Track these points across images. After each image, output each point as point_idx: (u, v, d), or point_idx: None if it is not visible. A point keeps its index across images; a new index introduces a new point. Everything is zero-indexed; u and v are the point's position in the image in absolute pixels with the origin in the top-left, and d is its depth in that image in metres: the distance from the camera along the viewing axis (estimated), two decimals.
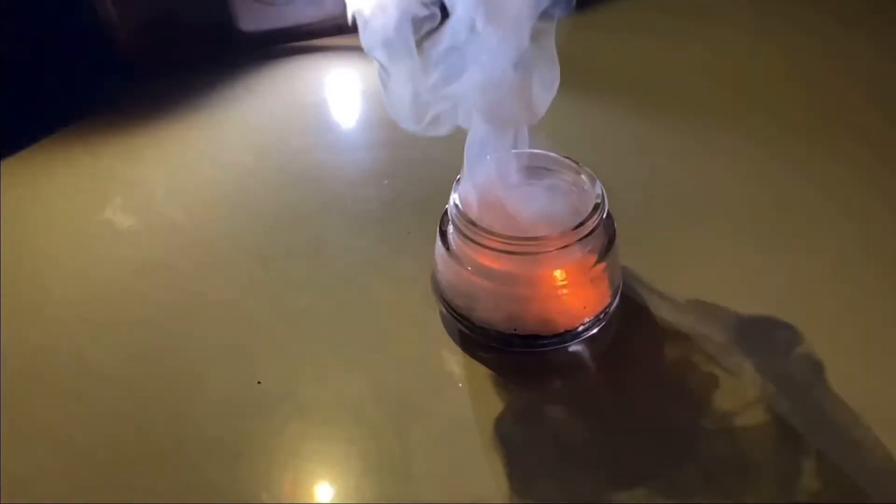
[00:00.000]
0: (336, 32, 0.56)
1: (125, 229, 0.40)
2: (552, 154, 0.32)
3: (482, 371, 0.31)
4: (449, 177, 0.31)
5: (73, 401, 0.31)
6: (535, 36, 0.27)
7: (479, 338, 0.32)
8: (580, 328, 0.31)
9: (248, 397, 0.31)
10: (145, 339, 0.34)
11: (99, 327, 0.35)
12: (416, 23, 0.27)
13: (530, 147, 0.31)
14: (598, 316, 0.31)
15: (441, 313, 0.33)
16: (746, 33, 0.54)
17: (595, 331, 0.31)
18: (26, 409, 0.31)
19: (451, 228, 0.31)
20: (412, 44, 0.27)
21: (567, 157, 0.32)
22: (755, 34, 0.54)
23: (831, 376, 0.30)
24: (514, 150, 0.31)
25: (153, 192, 0.43)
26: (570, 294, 0.30)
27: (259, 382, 0.31)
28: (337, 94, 0.52)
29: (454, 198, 0.30)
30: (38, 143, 0.47)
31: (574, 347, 0.32)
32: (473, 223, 0.29)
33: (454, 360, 0.32)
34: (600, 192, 0.30)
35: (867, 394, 0.29)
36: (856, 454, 0.27)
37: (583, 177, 0.31)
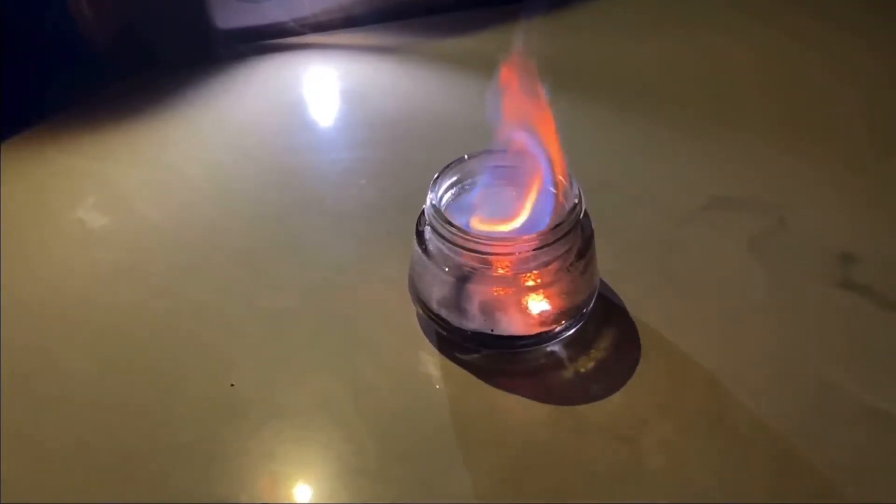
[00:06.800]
0: (315, 30, 0.55)
1: (97, 228, 0.40)
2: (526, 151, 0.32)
3: (459, 372, 0.31)
4: (427, 177, 0.31)
5: (44, 403, 0.31)
6: None
7: (455, 339, 0.31)
8: (557, 329, 0.31)
9: (221, 400, 0.30)
10: (118, 340, 0.33)
11: (70, 329, 0.34)
12: None
13: None
14: (575, 316, 0.31)
15: (418, 314, 0.33)
16: (738, 35, 0.54)
17: (572, 331, 0.31)
18: None
19: (427, 229, 0.30)
20: None
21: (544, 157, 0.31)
22: (747, 37, 0.54)
23: (820, 371, 0.30)
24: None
25: (127, 192, 0.42)
26: (547, 294, 0.30)
27: (232, 385, 0.31)
28: (316, 93, 0.51)
29: (430, 198, 0.30)
30: (7, 141, 0.46)
31: (551, 348, 0.32)
32: (450, 223, 0.28)
33: (431, 362, 0.32)
34: (578, 192, 0.30)
35: (869, 392, 0.30)
36: (854, 451, 0.28)
37: (560, 177, 0.31)
